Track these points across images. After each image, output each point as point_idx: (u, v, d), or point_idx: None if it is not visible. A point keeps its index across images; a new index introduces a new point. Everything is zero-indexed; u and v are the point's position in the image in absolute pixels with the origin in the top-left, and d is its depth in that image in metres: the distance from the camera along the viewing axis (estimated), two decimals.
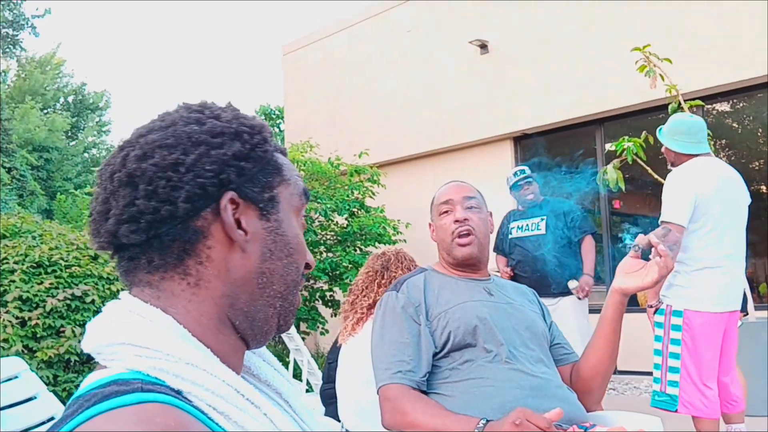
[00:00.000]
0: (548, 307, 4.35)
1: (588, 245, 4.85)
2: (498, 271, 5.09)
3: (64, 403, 2.94)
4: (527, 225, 4.96)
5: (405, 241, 7.82)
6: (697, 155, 3.42)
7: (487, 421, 1.65)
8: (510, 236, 5.07)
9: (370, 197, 8.24)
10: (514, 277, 5.00)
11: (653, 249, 1.77)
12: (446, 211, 2.08)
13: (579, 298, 4.69)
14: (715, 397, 3.22)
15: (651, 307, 3.35)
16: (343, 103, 9.79)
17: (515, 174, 5.08)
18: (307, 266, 0.88)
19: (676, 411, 3.22)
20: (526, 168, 5.11)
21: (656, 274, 1.76)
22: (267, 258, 0.81)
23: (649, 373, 4.34)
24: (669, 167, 3.60)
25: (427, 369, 1.86)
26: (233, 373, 0.75)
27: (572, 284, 4.68)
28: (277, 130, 18.89)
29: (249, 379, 0.87)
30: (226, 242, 0.78)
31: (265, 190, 0.81)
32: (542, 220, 4.89)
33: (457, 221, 2.03)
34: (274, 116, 19.34)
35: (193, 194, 0.75)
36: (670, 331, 3.25)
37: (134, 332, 0.73)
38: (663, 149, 3.54)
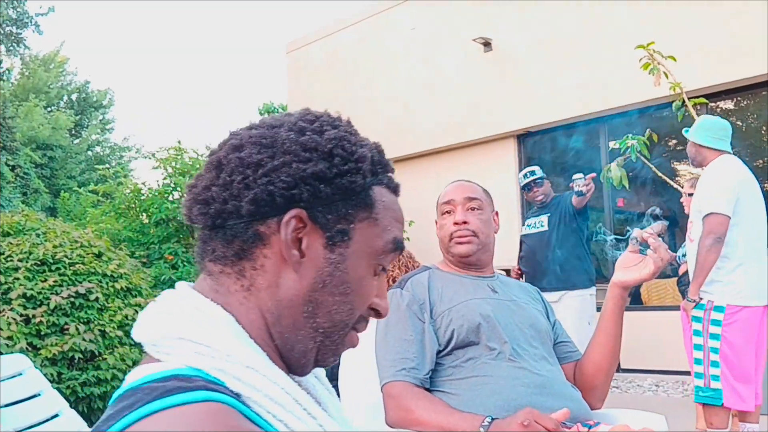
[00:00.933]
0: (550, 303, 4.36)
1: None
2: (508, 269, 5.14)
3: (68, 401, 2.95)
4: (534, 223, 5.00)
5: (408, 239, 7.82)
6: (721, 152, 3.48)
7: (492, 419, 1.65)
8: (521, 233, 5.14)
9: None
10: (520, 273, 5.05)
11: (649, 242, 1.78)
12: (447, 212, 2.08)
13: (583, 193, 4.63)
14: (752, 390, 3.26)
15: (692, 302, 3.34)
16: (346, 102, 9.79)
17: (525, 175, 5.08)
18: (377, 313, 0.85)
19: (722, 406, 3.24)
20: (536, 168, 5.10)
21: (653, 267, 1.77)
22: (318, 288, 0.78)
23: (651, 371, 4.35)
24: (692, 164, 3.64)
25: (431, 366, 1.86)
26: (291, 381, 0.75)
27: (577, 176, 4.69)
28: None
29: None
30: (281, 258, 0.77)
31: (340, 220, 0.78)
32: (546, 216, 4.91)
33: (456, 223, 2.04)
34: (277, 114, 19.35)
35: (260, 198, 0.75)
36: (710, 326, 3.26)
37: (194, 328, 0.71)
38: (688, 146, 3.60)
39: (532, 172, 5.07)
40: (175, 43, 69.70)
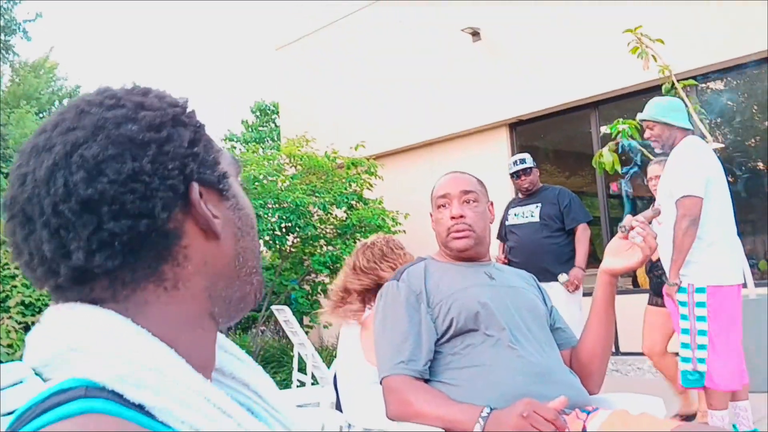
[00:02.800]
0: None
1: (581, 235, 4.78)
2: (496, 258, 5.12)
3: None
4: (523, 212, 4.98)
5: (404, 231, 7.83)
6: (688, 131, 3.49)
7: (491, 409, 1.67)
8: (507, 223, 5.10)
9: (368, 189, 8.25)
10: (508, 264, 5.02)
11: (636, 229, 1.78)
12: (443, 205, 2.08)
13: (570, 292, 4.67)
14: (742, 369, 3.27)
15: (673, 285, 3.34)
16: (338, 96, 9.79)
17: (514, 163, 5.09)
18: None
19: (704, 387, 3.25)
20: (526, 156, 5.10)
21: (641, 255, 1.77)
22: (239, 237, 0.76)
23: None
24: (657, 149, 3.61)
25: (429, 357, 1.87)
26: (203, 379, 0.67)
27: (562, 278, 4.65)
28: (273, 125, 18.87)
29: (214, 375, 0.79)
30: (201, 236, 0.71)
31: (214, 168, 0.74)
32: (537, 207, 4.90)
33: (453, 218, 2.04)
34: (269, 112, 19.31)
35: (166, 198, 0.67)
36: (695, 308, 3.27)
37: (88, 336, 0.63)
38: (653, 131, 3.55)
39: (522, 160, 5.06)
40: (164, 43, 69.48)
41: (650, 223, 1.80)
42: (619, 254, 1.84)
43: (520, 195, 5.16)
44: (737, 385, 3.25)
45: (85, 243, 0.65)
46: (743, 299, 3.54)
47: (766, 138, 6.72)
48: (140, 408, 0.60)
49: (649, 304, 4.37)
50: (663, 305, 4.16)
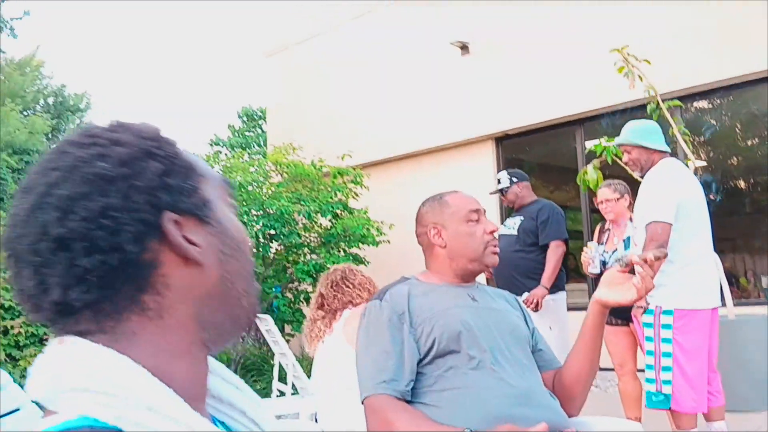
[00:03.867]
0: None
1: (552, 253, 4.71)
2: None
3: None
4: (510, 224, 4.98)
5: (389, 242, 7.84)
6: (665, 153, 3.50)
7: None
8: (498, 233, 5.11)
9: (354, 198, 8.25)
10: (491, 274, 5.01)
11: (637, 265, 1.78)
12: (476, 220, 2.08)
13: (532, 310, 4.63)
14: (705, 393, 3.28)
15: (640, 308, 3.36)
16: (326, 105, 9.79)
17: (497, 180, 5.10)
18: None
19: (669, 409, 3.26)
20: (502, 175, 5.07)
21: (635, 294, 1.78)
22: (224, 261, 0.76)
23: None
24: (636, 174, 3.61)
25: (411, 378, 1.87)
26: (199, 417, 0.69)
27: (523, 297, 4.60)
28: (259, 131, 18.83)
29: (211, 402, 0.81)
30: (180, 264, 0.72)
31: (192, 195, 0.74)
32: (519, 220, 4.91)
33: (490, 232, 2.07)
34: (256, 117, 19.28)
35: (137, 232, 0.69)
36: (661, 330, 3.27)
37: (88, 376, 0.66)
38: (631, 155, 3.56)
39: (498, 180, 5.08)
40: (151, 46, 69.20)
41: (656, 259, 1.79)
42: (614, 286, 1.84)
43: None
44: (702, 408, 3.27)
45: (60, 279, 0.67)
46: (721, 319, 3.57)
47: (748, 157, 6.81)
48: None
49: (607, 324, 4.35)
50: (622, 324, 4.17)
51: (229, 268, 0.77)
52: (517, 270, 4.72)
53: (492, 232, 2.06)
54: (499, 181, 5.06)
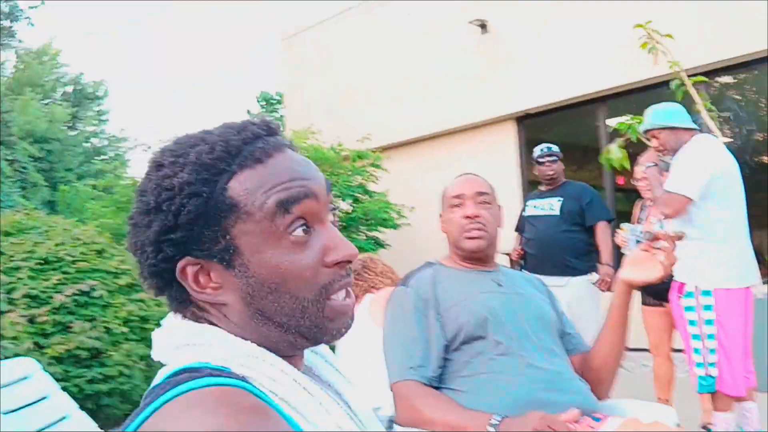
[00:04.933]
0: (557, 287, 4.35)
1: (603, 233, 4.72)
2: (508, 251, 5.09)
3: (75, 399, 2.95)
4: (543, 205, 4.91)
5: (409, 224, 7.81)
6: (694, 130, 3.44)
7: (502, 417, 1.65)
8: (525, 214, 5.04)
9: (373, 182, 8.22)
10: (523, 255, 4.98)
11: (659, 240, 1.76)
12: (457, 205, 2.05)
13: (602, 291, 4.64)
14: (745, 374, 3.24)
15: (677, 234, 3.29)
16: (344, 88, 9.74)
17: (542, 150, 5.00)
18: (341, 264, 0.81)
19: (716, 392, 3.22)
20: (553, 146, 5.03)
21: (661, 272, 1.75)
22: (250, 301, 0.78)
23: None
24: (668, 158, 3.53)
25: (438, 364, 1.86)
26: (291, 366, 0.78)
27: (593, 278, 4.62)
28: (277, 115, 18.85)
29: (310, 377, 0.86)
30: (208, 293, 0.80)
31: (216, 242, 0.77)
32: (558, 201, 4.84)
33: (467, 217, 2.01)
34: (273, 102, 19.28)
35: (152, 272, 0.79)
36: (702, 311, 3.23)
37: (196, 336, 0.78)
38: (659, 139, 3.48)
39: (549, 147, 4.99)
40: (168, 30, 69.30)
41: (677, 240, 1.77)
42: (640, 265, 1.82)
43: (541, 188, 5.08)
44: (743, 391, 3.23)
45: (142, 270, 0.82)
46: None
47: None
48: (243, 379, 0.73)
49: (643, 304, 4.31)
50: (657, 305, 4.12)
51: (259, 305, 0.78)
52: (566, 251, 4.69)
53: (470, 217, 2.01)
54: (551, 149, 4.97)
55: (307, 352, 0.89)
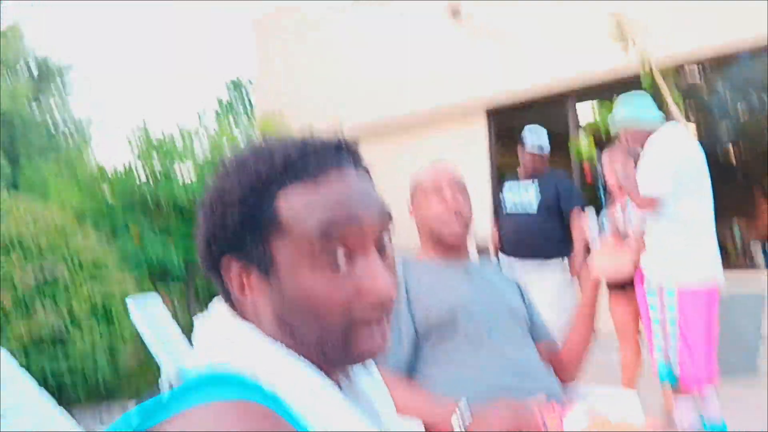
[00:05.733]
0: (533, 271, 4.37)
1: (576, 220, 4.75)
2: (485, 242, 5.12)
3: (39, 382, 2.91)
4: (520, 190, 4.92)
5: None
6: (664, 121, 3.47)
7: (468, 404, 1.65)
8: (502, 201, 5.04)
9: None
10: (501, 242, 4.99)
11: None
12: (436, 194, 2.01)
13: (572, 276, 4.69)
14: (709, 368, 3.27)
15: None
16: (315, 73, 9.67)
17: (530, 131, 4.99)
18: (374, 302, 0.78)
19: (678, 388, 3.26)
20: (541, 130, 5.02)
21: (630, 264, 1.78)
22: (280, 314, 0.77)
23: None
24: (639, 150, 3.53)
25: (407, 353, 1.86)
26: (319, 375, 0.77)
27: (565, 263, 4.70)
28: (247, 103, 18.67)
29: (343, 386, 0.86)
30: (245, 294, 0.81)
31: (257, 249, 0.77)
32: (535, 187, 4.86)
33: (447, 206, 1.99)
34: (243, 89, 19.07)
35: (204, 264, 0.82)
36: (667, 309, 3.25)
37: (232, 335, 0.77)
38: (626, 135, 3.50)
39: (537, 130, 4.97)
40: (137, 12, 68.04)
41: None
42: (609, 257, 1.85)
43: (518, 174, 5.08)
44: (708, 381, 3.28)
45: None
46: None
47: (739, 125, 6.81)
48: (272, 390, 0.71)
49: (609, 290, 4.36)
50: (622, 291, 4.16)
51: (288, 320, 0.77)
52: (541, 236, 4.76)
53: (449, 206, 1.98)
54: (537, 131, 4.97)
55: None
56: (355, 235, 0.77)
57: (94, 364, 4.46)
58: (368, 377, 0.91)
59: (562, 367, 2.01)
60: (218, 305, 0.84)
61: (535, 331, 2.06)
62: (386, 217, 0.82)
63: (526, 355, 1.89)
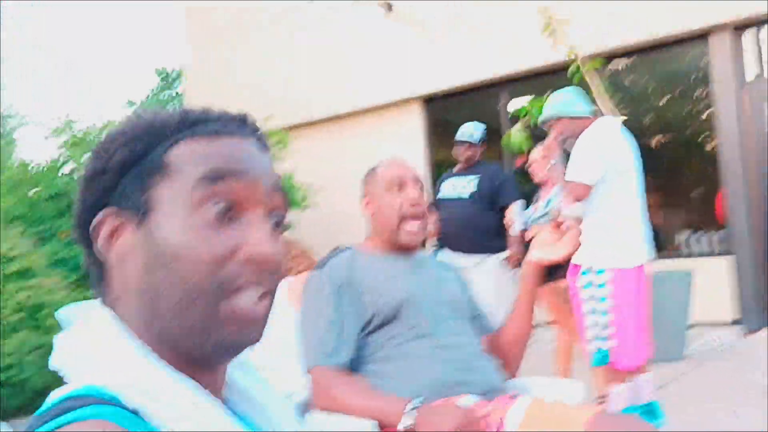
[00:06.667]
0: (472, 265, 4.41)
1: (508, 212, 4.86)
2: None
3: None
4: (458, 185, 4.97)
5: (317, 204, 7.75)
6: (593, 116, 3.55)
7: (419, 403, 1.65)
8: (440, 194, 5.07)
9: (278, 160, 8.09)
10: (439, 236, 5.03)
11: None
12: (397, 189, 1.99)
13: (510, 268, 4.75)
14: (642, 348, 3.36)
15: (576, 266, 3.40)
16: (246, 66, 9.52)
17: (461, 134, 5.03)
18: (256, 263, 0.70)
19: (611, 365, 3.34)
20: (476, 126, 5.06)
21: (569, 249, 1.82)
22: (144, 277, 0.70)
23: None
24: (570, 144, 3.60)
25: (353, 348, 1.86)
26: (193, 390, 0.68)
27: (502, 256, 4.76)
28: (174, 93, 18.22)
29: (229, 395, 0.78)
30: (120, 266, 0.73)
31: (136, 196, 0.71)
32: (474, 180, 4.90)
33: (412, 203, 1.97)
34: (170, 80, 18.59)
35: (78, 222, 0.75)
36: (597, 289, 3.34)
37: (95, 347, 0.69)
38: (557, 129, 3.57)
39: (468, 128, 5.03)
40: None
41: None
42: (547, 246, 1.88)
43: (457, 167, 5.11)
44: (640, 362, 3.38)
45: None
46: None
47: (664, 116, 7.04)
48: (135, 412, 0.63)
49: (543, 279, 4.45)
50: (551, 281, 4.25)
51: (150, 280, 0.69)
52: (479, 230, 4.81)
53: (413, 202, 1.97)
54: (470, 129, 5.02)
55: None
56: (241, 191, 0.72)
57: (25, 372, 4.29)
58: (257, 383, 0.82)
59: (505, 359, 2.04)
60: (88, 310, 0.74)
61: (478, 324, 2.09)
62: (279, 192, 0.77)
63: (470, 348, 1.92)
